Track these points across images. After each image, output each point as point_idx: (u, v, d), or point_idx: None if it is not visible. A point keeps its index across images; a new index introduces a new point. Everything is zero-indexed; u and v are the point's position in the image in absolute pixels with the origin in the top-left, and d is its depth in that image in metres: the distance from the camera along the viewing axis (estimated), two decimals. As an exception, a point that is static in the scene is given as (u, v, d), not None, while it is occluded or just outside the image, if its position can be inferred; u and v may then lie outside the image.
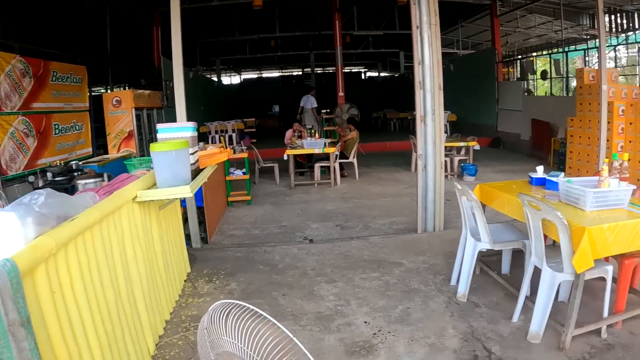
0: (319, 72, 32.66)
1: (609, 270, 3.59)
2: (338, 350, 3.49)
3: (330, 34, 16.68)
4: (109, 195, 3.05)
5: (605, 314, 3.69)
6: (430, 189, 6.36)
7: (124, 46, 14.68)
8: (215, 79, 28.66)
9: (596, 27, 8.71)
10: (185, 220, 5.71)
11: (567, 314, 3.46)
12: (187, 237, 5.82)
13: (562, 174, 4.37)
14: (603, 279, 3.66)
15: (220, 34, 19.86)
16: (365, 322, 3.92)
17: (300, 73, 37.10)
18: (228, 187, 8.53)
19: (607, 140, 9.13)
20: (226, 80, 36.11)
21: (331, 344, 3.58)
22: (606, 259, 3.90)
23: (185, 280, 4.84)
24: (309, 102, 16.13)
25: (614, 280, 3.84)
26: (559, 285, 4.13)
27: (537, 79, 20.81)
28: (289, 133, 11.23)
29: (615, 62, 21.42)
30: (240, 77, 38.28)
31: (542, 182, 4.50)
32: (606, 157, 4.71)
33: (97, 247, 2.69)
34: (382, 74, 36.20)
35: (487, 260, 4.98)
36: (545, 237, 3.77)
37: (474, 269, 4.57)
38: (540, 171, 4.60)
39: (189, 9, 11.48)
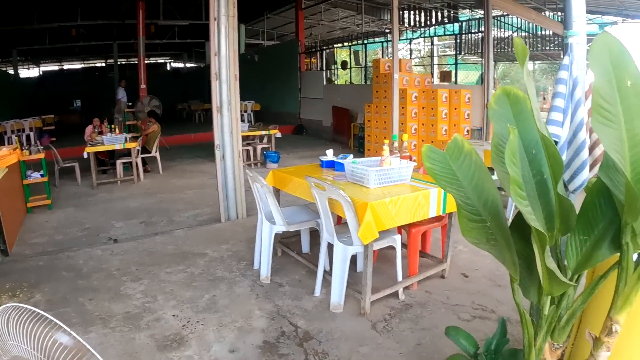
0: (123, 63, 31.25)
1: (396, 239, 4.05)
2: (150, 347, 3.50)
3: (134, 24, 16.10)
4: None
5: (400, 278, 4.16)
6: (230, 178, 6.54)
7: None
8: (11, 72, 26.23)
9: (391, 21, 9.52)
10: None
11: (362, 282, 3.83)
12: None
13: (351, 155, 4.75)
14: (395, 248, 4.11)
15: (18, 22, 18.19)
16: (174, 316, 3.96)
17: (104, 65, 34.74)
18: (26, 192, 7.82)
19: (402, 124, 10.06)
20: (24, 73, 33.10)
21: (142, 342, 3.57)
22: (399, 229, 4.42)
23: None
24: (120, 93, 15.63)
25: (406, 247, 4.38)
26: (356, 257, 4.59)
27: (337, 68, 21.94)
28: (88, 129, 10.60)
29: (410, 54, 23.29)
30: (39, 70, 35.07)
31: (331, 165, 4.87)
32: (385, 139, 5.20)
33: None
34: (188, 65, 35.50)
35: (288, 241, 5.28)
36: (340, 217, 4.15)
37: (275, 251, 4.89)
38: (330, 154, 4.95)
39: None
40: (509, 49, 21.95)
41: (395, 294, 4.17)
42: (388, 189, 4.02)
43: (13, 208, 6.68)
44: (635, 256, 1.80)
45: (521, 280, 2.00)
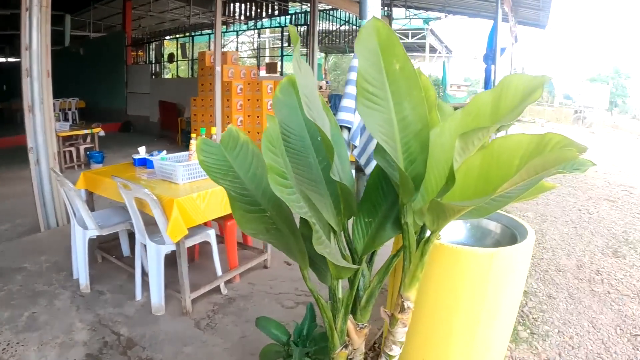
0: None
1: (210, 234, 3.99)
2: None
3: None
4: None
5: (219, 272, 4.12)
6: (46, 184, 6.08)
7: None
8: None
9: (214, 14, 9.38)
10: None
11: (180, 281, 3.73)
12: None
13: (164, 152, 4.62)
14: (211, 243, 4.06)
15: None
16: (-8, 340, 3.61)
17: None
18: None
19: (228, 117, 9.98)
20: None
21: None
22: (209, 224, 4.35)
23: None
24: None
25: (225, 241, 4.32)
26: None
27: (164, 61, 21.40)
28: None
29: (240, 46, 23.25)
30: None
31: (143, 162, 4.69)
32: (193, 133, 5.11)
33: None
34: (10, 59, 32.55)
35: (107, 246, 5.00)
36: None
37: (94, 257, 4.68)
38: (142, 152, 4.77)
39: None
40: (339, 41, 22.77)
41: (217, 290, 4.12)
42: (197, 184, 3.95)
43: None
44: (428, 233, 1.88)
45: (317, 265, 2.01)
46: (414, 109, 1.66)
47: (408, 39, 24.13)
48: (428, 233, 1.91)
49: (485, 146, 1.61)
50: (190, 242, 3.85)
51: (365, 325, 2.10)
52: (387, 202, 1.92)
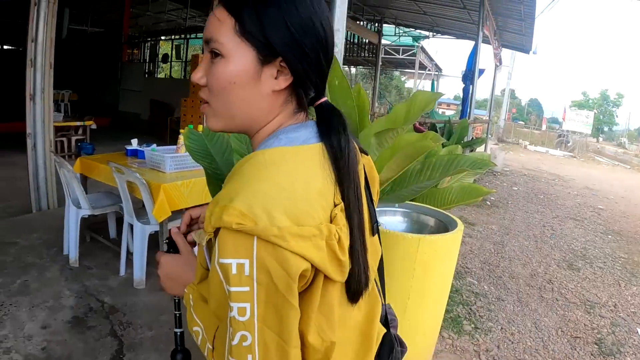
0: None
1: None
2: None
3: None
4: None
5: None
6: (41, 168, 6.48)
7: None
8: None
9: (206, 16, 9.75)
10: None
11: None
12: None
13: (154, 145, 5.09)
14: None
15: None
16: (-13, 302, 4.04)
17: None
18: None
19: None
20: None
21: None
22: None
23: None
24: None
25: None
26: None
27: (159, 61, 21.74)
28: None
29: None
30: None
31: (135, 153, 5.14)
32: (182, 129, 5.56)
33: None
34: (6, 47, 32.76)
35: (96, 227, 5.41)
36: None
37: (84, 237, 5.07)
38: (134, 143, 5.23)
39: None
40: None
41: (198, 269, 4.54)
42: (182, 174, 4.41)
43: None
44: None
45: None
46: (349, 115, 2.11)
47: (399, 55, 24.52)
48: None
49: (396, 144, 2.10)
50: (172, 224, 4.28)
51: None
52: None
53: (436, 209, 3.20)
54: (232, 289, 0.78)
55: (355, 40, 20.72)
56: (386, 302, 1.33)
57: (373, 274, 1.14)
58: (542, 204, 10.32)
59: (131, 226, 4.38)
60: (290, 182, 0.84)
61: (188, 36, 21.76)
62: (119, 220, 5.40)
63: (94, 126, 11.20)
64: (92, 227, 5.36)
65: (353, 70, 34.07)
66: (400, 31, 20.61)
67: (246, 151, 2.15)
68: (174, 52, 20.93)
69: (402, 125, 2.02)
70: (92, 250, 5.07)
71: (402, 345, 1.26)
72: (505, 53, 19.49)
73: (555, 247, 6.94)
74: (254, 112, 0.96)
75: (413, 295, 2.80)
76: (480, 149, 14.39)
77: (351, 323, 1.01)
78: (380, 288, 1.25)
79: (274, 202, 0.79)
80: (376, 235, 1.16)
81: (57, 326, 3.63)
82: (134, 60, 20.75)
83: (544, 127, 40.15)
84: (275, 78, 0.92)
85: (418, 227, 3.26)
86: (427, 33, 20.24)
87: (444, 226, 3.06)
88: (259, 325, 0.79)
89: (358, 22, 17.18)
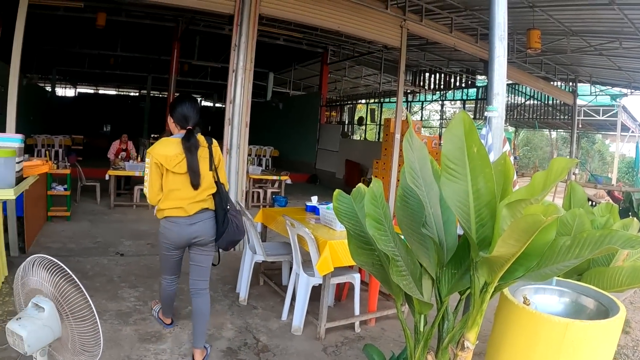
0: (156, 95, 32.50)
1: (355, 277, 4.67)
2: (133, 338, 4.14)
3: (169, 60, 17.00)
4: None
5: (357, 312, 4.70)
6: (231, 214, 7.13)
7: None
8: (49, 89, 27.53)
9: (397, 84, 10.15)
10: (5, 230, 5.86)
11: (320, 310, 4.40)
12: (7, 246, 5.97)
13: (331, 203, 5.41)
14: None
15: (61, 44, 19.25)
16: (158, 318, 4.60)
17: (137, 94, 36.25)
18: (49, 202, 8.60)
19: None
20: (60, 91, 34.42)
21: (127, 334, 4.21)
22: (362, 273, 5.00)
23: (2, 282, 5.10)
24: None
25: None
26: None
27: (354, 123, 22.64)
28: (115, 144, 11.52)
29: (422, 115, 23.74)
30: (75, 91, 36.50)
31: (313, 209, 5.54)
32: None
33: None
34: (217, 105, 36.51)
35: (270, 273, 5.89)
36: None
37: (257, 280, 5.59)
38: (314, 200, 5.63)
39: (33, 14, 11.32)
40: (529, 116, 22.25)
41: (351, 326, 4.71)
42: (352, 233, 4.62)
43: (36, 213, 7.39)
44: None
45: (410, 301, 2.56)
46: (486, 183, 2.16)
47: (599, 116, 22.72)
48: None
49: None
50: (335, 280, 4.55)
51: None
52: (469, 259, 2.43)
53: (600, 290, 2.96)
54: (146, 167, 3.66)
55: (550, 102, 19.93)
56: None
57: (205, 182, 3.72)
58: None
59: (298, 276, 4.67)
60: (164, 145, 3.65)
61: (382, 100, 22.49)
62: (292, 269, 5.79)
63: (289, 181, 11.99)
64: (267, 272, 5.80)
65: (554, 134, 32.54)
66: (597, 90, 19.27)
67: (381, 215, 2.30)
68: (368, 115, 21.71)
69: (537, 196, 2.02)
70: (263, 293, 5.51)
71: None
72: None
73: None
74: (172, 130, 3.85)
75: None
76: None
77: (185, 191, 3.69)
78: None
79: (155, 148, 3.64)
80: (212, 171, 3.79)
81: (211, 353, 4.00)
82: (332, 122, 21.81)
83: None
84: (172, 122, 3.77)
85: (574, 310, 3.02)
86: (626, 90, 18.66)
87: (604, 311, 2.79)
88: (149, 177, 3.64)
89: (551, 82, 16.45)
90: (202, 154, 3.72)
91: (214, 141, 3.91)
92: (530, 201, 1.94)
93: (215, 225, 3.84)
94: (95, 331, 2.24)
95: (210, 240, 3.85)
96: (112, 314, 4.61)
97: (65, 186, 8.70)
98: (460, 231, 2.48)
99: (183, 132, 3.68)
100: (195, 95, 37.87)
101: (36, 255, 2.26)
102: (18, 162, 4.53)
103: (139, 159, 11.03)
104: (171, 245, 3.82)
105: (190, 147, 3.61)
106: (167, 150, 3.61)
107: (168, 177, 3.63)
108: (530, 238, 1.90)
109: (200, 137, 3.76)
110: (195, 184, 3.64)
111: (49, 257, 2.23)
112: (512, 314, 2.67)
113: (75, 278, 2.19)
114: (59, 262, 2.21)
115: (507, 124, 25.77)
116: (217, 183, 3.81)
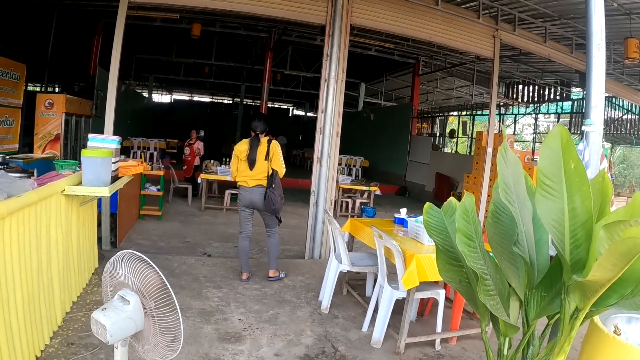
0: (249, 103, 33.38)
1: (440, 293, 4.59)
2: (212, 336, 4.28)
3: (262, 69, 17.43)
4: (43, 185, 3.80)
5: (439, 329, 4.62)
6: (319, 222, 7.25)
7: (64, 50, 14.70)
8: (145, 94, 28.92)
9: (490, 95, 9.94)
10: (99, 224, 6.21)
11: (401, 324, 4.36)
12: (99, 240, 6.30)
13: (420, 216, 5.35)
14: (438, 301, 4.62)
15: (157, 53, 20.20)
16: (239, 319, 4.73)
17: (230, 102, 37.55)
18: (142, 201, 9.02)
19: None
20: (156, 97, 36.07)
21: (208, 332, 4.36)
22: (447, 289, 4.91)
23: (92, 273, 5.45)
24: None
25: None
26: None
27: (445, 136, 22.31)
28: (189, 144, 12.15)
29: (515, 128, 22.98)
30: (170, 97, 38.34)
31: (402, 221, 5.52)
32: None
33: (31, 223, 3.38)
34: (309, 114, 37.02)
35: (354, 284, 5.91)
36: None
37: (342, 290, 5.61)
38: (403, 213, 5.62)
39: (132, 24, 11.99)
40: (626, 132, 21.08)
41: (432, 343, 4.62)
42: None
43: (128, 211, 7.83)
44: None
45: (496, 322, 2.51)
46: (583, 202, 2.08)
47: None
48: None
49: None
50: (419, 294, 4.49)
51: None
52: (561, 282, 2.34)
53: None
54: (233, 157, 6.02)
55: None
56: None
57: (259, 167, 5.80)
58: None
59: (382, 288, 4.66)
60: (240, 144, 5.92)
61: (474, 112, 22.05)
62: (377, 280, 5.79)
63: (378, 192, 11.96)
64: (351, 283, 5.82)
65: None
66: None
67: (472, 232, 2.26)
68: (460, 128, 21.36)
69: (637, 217, 1.90)
70: (345, 302, 5.52)
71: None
72: None
73: None
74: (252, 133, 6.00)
75: None
76: None
77: (247, 172, 5.85)
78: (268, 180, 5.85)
79: (237, 145, 5.93)
80: (267, 161, 5.80)
81: (288, 357, 4.07)
82: (423, 134, 21.59)
83: None
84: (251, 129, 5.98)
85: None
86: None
87: None
88: (232, 162, 6.09)
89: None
90: (261, 149, 5.80)
91: (274, 141, 5.90)
92: (630, 223, 1.85)
93: (263, 196, 5.77)
94: (177, 327, 2.33)
95: (262, 205, 5.82)
96: (194, 311, 4.80)
97: (158, 187, 9.14)
98: (552, 252, 2.41)
99: (253, 135, 5.87)
100: (287, 105, 39.02)
101: (126, 250, 2.39)
102: (114, 162, 4.79)
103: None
104: (241, 203, 5.98)
105: (252, 145, 5.81)
106: (241, 146, 5.89)
107: (240, 162, 5.88)
108: (629, 263, 1.81)
109: (263, 139, 5.85)
110: (251, 168, 5.78)
111: (138, 253, 2.35)
112: (601, 343, 2.55)
113: (161, 275, 2.29)
114: (147, 259, 2.33)
115: (603, 140, 24.49)
116: (272, 170, 5.82)
